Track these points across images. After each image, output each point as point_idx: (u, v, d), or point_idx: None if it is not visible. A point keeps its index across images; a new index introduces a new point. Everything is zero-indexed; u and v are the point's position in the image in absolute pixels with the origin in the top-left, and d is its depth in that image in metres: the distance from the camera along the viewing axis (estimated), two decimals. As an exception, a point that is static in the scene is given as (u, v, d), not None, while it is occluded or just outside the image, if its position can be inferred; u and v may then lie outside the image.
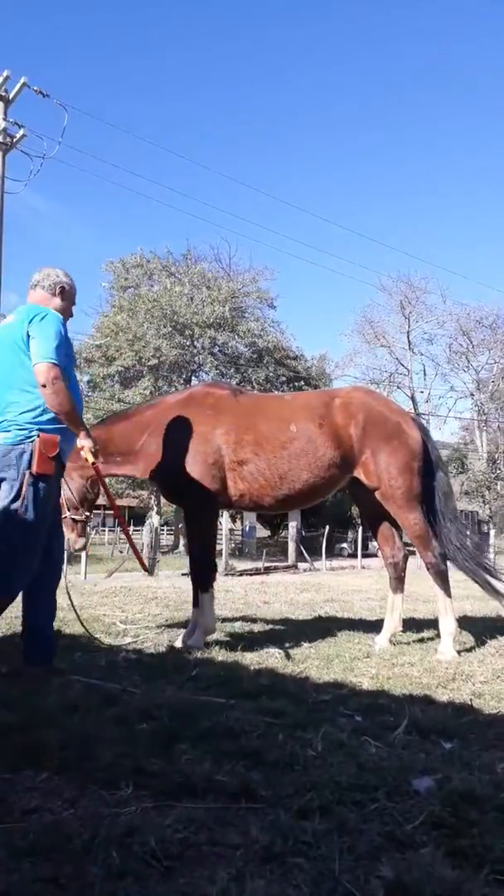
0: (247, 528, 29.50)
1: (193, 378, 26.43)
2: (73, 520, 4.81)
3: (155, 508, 24.86)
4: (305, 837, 1.65)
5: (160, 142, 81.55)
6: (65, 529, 4.74)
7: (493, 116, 76.51)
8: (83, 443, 3.73)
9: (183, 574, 13.94)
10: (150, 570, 4.74)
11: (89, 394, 25.18)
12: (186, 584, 9.58)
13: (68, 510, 4.78)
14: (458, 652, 4.28)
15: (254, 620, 5.81)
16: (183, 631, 4.69)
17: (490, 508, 39.46)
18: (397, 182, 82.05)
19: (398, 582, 4.89)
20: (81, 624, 4.47)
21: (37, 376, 3.43)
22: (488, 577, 4.73)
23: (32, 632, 3.53)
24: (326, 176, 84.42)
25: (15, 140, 16.25)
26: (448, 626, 4.38)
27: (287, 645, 4.55)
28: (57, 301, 3.78)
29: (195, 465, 4.50)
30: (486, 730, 2.63)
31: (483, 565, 4.80)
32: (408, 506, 4.53)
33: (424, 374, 42.31)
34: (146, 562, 5.47)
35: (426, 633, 5.14)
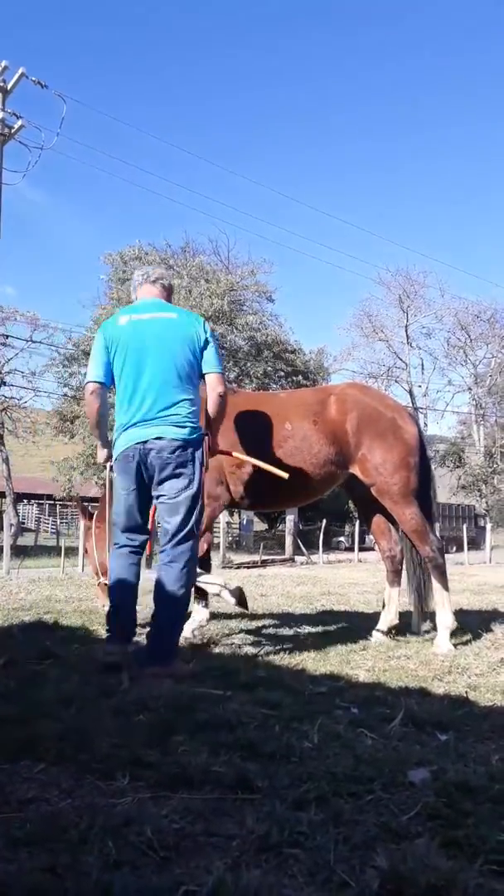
0: (244, 522, 29.54)
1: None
2: (107, 584, 4.79)
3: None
4: (301, 828, 1.66)
5: (159, 134, 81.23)
6: (100, 595, 4.95)
7: (492, 111, 76.27)
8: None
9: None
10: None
11: (87, 386, 25.16)
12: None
13: (99, 575, 4.93)
14: (454, 645, 4.30)
15: (251, 614, 5.82)
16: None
17: (487, 503, 39.52)
18: (396, 175, 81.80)
19: (395, 575, 4.90)
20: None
21: (216, 385, 3.71)
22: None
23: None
24: (325, 169, 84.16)
25: (13, 131, 16.16)
26: (445, 619, 4.39)
27: (283, 637, 4.57)
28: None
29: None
30: (482, 722, 2.64)
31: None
32: (404, 501, 4.53)
33: (422, 369, 42.31)
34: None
35: (422, 626, 5.15)
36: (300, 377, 25.86)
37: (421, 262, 68.29)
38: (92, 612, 5.60)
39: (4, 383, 25.64)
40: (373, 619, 5.18)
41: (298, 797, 1.84)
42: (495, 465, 40.26)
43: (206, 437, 3.68)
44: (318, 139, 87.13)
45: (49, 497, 37.15)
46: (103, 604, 4.86)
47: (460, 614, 5.30)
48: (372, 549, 24.91)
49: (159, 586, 3.46)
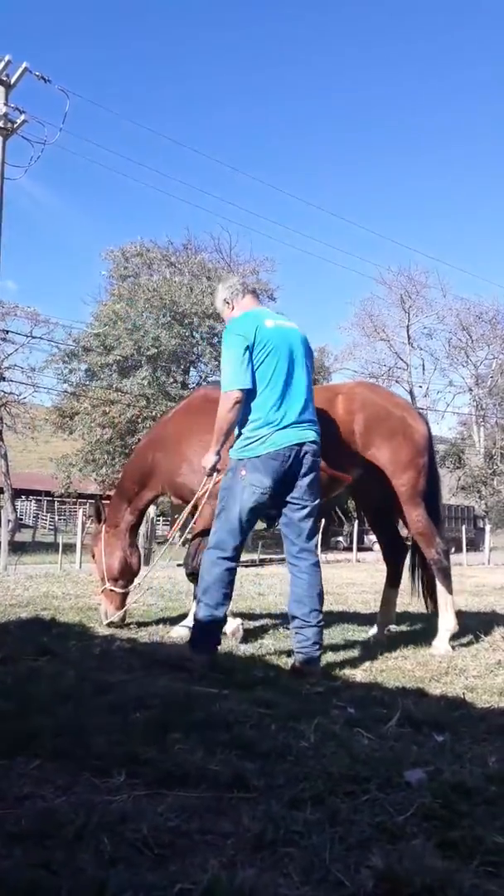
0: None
1: (192, 368, 26.37)
2: (112, 591, 4.81)
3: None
4: (297, 827, 1.66)
5: (163, 131, 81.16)
6: (103, 600, 4.84)
7: (495, 111, 76.18)
8: None
9: (178, 564, 13.98)
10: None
11: (87, 382, 25.14)
12: (181, 575, 9.61)
13: (106, 581, 4.81)
14: (452, 647, 4.30)
15: (248, 612, 5.83)
16: (178, 621, 4.70)
17: (486, 504, 39.55)
18: (399, 174, 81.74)
19: (395, 576, 4.90)
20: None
21: (315, 395, 3.82)
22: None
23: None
24: (329, 168, 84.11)
25: (16, 126, 16.12)
26: (447, 622, 4.38)
27: (281, 637, 4.56)
28: None
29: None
30: (479, 723, 2.64)
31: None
32: (411, 502, 4.50)
33: (423, 369, 42.34)
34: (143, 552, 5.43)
35: (420, 628, 5.16)
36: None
37: (423, 261, 68.27)
38: (89, 608, 5.59)
39: (4, 379, 25.65)
40: (370, 619, 5.19)
41: (294, 796, 1.84)
42: (495, 467, 40.27)
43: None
44: (322, 137, 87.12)
45: (47, 493, 37.19)
46: (110, 610, 4.76)
47: (458, 616, 5.29)
48: (370, 549, 24.93)
49: (311, 585, 3.52)
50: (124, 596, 4.84)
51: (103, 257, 27.42)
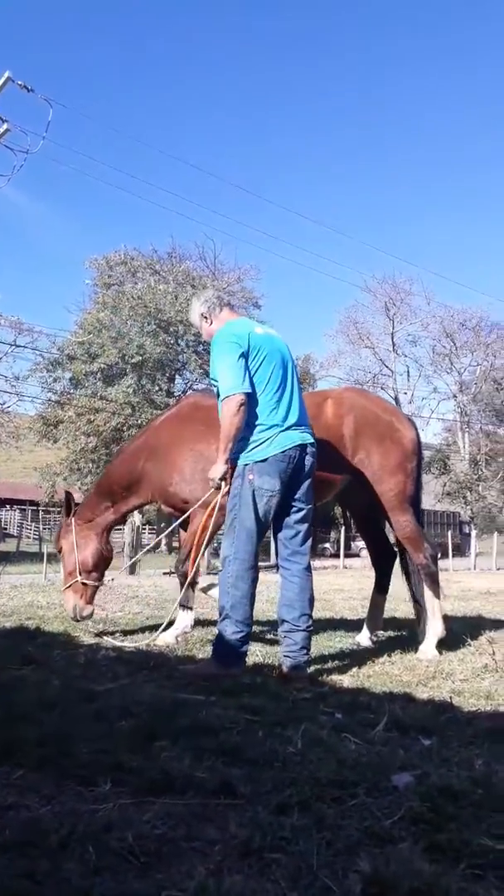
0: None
1: (177, 376, 26.33)
2: (84, 584, 4.72)
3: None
4: (284, 833, 1.64)
5: (147, 139, 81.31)
6: (72, 595, 4.72)
7: (479, 120, 77.16)
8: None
9: (164, 573, 13.92)
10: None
11: (72, 391, 25.02)
12: (167, 583, 9.56)
13: (80, 574, 4.71)
14: (439, 651, 4.30)
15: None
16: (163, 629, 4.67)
17: (472, 510, 39.74)
18: (383, 182, 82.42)
19: (383, 581, 4.92)
20: None
21: (305, 400, 3.85)
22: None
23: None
24: (312, 176, 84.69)
25: (-1, 134, 16.07)
26: (435, 627, 4.39)
27: (268, 643, 4.55)
28: None
29: (197, 484, 4.41)
30: (465, 727, 2.64)
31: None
32: (400, 507, 4.51)
33: (408, 376, 42.62)
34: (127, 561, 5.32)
35: (407, 633, 5.16)
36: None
37: (407, 269, 68.74)
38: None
39: (-12, 388, 25.46)
40: (357, 625, 5.18)
41: (281, 802, 1.82)
42: (480, 473, 40.52)
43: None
44: (306, 147, 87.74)
45: (32, 503, 36.93)
46: (80, 604, 4.67)
47: (445, 620, 5.30)
48: (357, 555, 24.93)
49: (303, 590, 3.55)
50: (95, 590, 4.81)
51: (87, 266, 27.38)
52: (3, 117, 16.07)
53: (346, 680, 3.49)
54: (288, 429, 3.55)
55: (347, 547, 21.53)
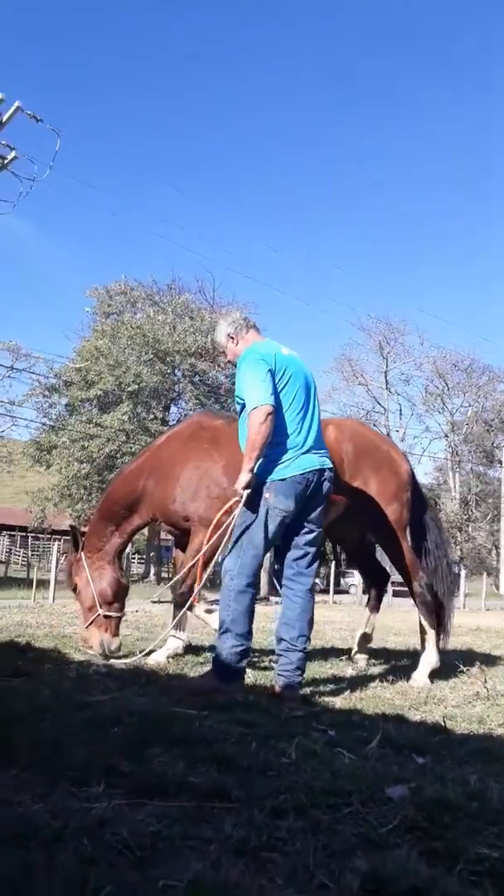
0: (220, 560, 29.27)
1: (172, 406, 26.40)
2: (108, 616, 4.56)
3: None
4: (280, 834, 1.63)
5: (154, 174, 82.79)
6: (96, 630, 4.53)
7: (470, 152, 78.97)
8: None
9: (153, 602, 13.78)
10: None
11: (67, 417, 25.04)
12: (156, 610, 9.49)
13: (101, 607, 4.55)
14: (431, 680, 4.28)
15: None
16: (154, 649, 4.63)
17: (461, 550, 39.68)
18: (377, 219, 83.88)
19: (377, 601, 4.97)
20: None
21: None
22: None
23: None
24: (310, 213, 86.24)
25: (6, 162, 16.38)
26: (430, 657, 4.41)
27: (260, 668, 4.52)
28: None
29: (201, 503, 4.43)
30: (459, 748, 2.63)
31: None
32: (394, 535, 4.57)
33: (400, 414, 42.89)
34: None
35: (398, 663, 5.14)
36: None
37: (401, 310, 69.72)
38: (64, 636, 5.49)
39: (-17, 412, 25.47)
40: (348, 653, 5.16)
41: (276, 806, 1.81)
42: (470, 513, 40.59)
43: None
44: (300, 182, 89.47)
45: (22, 528, 36.62)
46: (107, 638, 4.47)
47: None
48: (347, 591, 24.74)
49: (304, 611, 3.59)
50: (119, 621, 4.63)
51: (88, 295, 27.62)
52: (10, 145, 16.42)
53: (339, 702, 3.47)
54: (308, 451, 3.59)
55: (337, 583, 21.40)
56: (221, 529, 3.86)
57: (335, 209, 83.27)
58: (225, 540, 3.83)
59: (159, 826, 1.65)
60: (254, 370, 3.57)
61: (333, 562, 21.90)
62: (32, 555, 33.87)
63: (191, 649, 5.01)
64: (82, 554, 4.71)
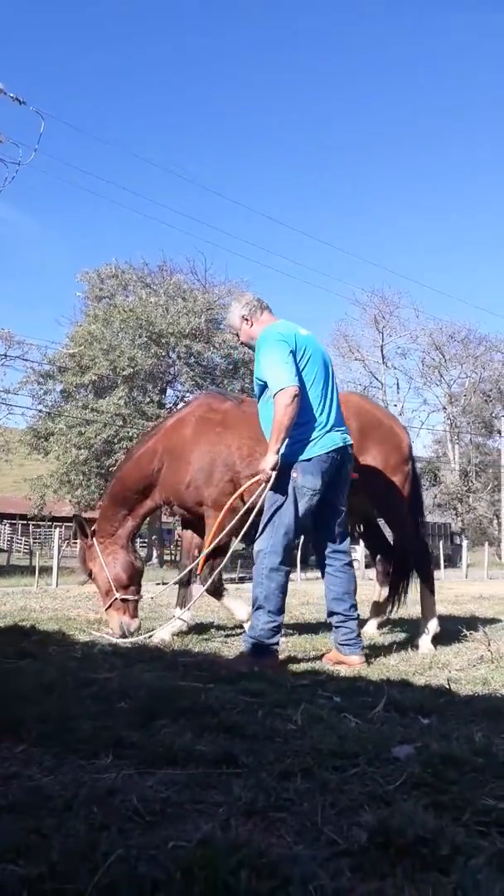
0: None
1: (168, 388, 26.32)
2: (124, 600, 4.60)
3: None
4: (288, 795, 1.65)
5: (138, 152, 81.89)
6: (115, 613, 4.59)
7: (464, 132, 78.24)
8: None
9: (157, 584, 13.84)
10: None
11: (62, 403, 24.99)
12: (159, 590, 9.55)
13: (116, 590, 4.59)
14: (435, 646, 4.33)
15: (230, 622, 5.79)
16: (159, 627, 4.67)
17: (462, 521, 39.88)
18: (371, 194, 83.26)
19: (385, 576, 5.03)
20: None
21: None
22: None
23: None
24: (302, 188, 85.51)
25: (-10, 147, 16.16)
26: (431, 624, 4.47)
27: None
28: None
29: (212, 486, 4.45)
30: (464, 708, 2.65)
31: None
32: (398, 509, 4.65)
33: (398, 388, 42.88)
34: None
35: (401, 631, 5.19)
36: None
37: (396, 281, 69.41)
38: (69, 619, 5.52)
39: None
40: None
41: (284, 770, 1.83)
42: (470, 484, 40.71)
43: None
44: (294, 158, 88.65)
45: (22, 517, 36.72)
46: (126, 620, 4.53)
47: (440, 619, 5.34)
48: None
49: (349, 583, 3.73)
50: (136, 603, 4.67)
51: (79, 279, 27.41)
52: (-7, 129, 16.20)
53: (343, 669, 3.50)
54: (331, 430, 3.65)
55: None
56: (238, 513, 3.95)
57: (326, 183, 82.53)
58: (237, 525, 3.95)
59: (168, 792, 1.66)
60: (276, 351, 3.58)
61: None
62: (34, 542, 34.02)
63: (195, 627, 5.04)
64: (94, 540, 4.72)
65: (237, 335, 4.07)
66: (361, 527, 5.39)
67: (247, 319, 3.91)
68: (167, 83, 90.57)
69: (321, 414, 3.64)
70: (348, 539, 3.84)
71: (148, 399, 24.75)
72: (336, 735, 2.15)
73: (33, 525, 35.08)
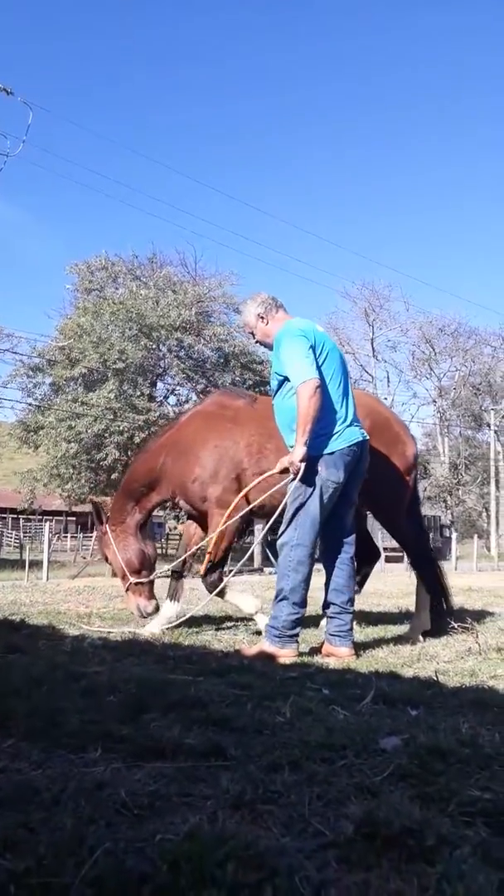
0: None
1: (159, 382, 26.24)
2: (139, 584, 4.73)
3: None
4: (276, 787, 1.66)
5: (127, 144, 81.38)
6: (132, 596, 4.76)
7: (454, 123, 78.19)
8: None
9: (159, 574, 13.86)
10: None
11: (52, 396, 24.86)
12: (160, 583, 9.55)
13: (130, 575, 4.72)
14: (423, 638, 4.36)
15: (220, 613, 5.81)
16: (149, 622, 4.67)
17: (452, 514, 40.08)
18: (361, 187, 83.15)
19: (363, 580, 5.25)
20: None
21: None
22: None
23: None
24: (290, 180, 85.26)
25: (-23, 138, 16.03)
26: (422, 618, 4.54)
27: (253, 632, 4.57)
28: None
29: (219, 483, 4.45)
30: (451, 699, 2.67)
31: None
32: (397, 516, 4.72)
33: (388, 381, 42.99)
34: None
35: (391, 624, 5.21)
36: (267, 387, 25.95)
37: (386, 274, 69.41)
38: (59, 613, 5.52)
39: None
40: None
41: (272, 762, 1.84)
42: (460, 477, 40.90)
43: None
44: (285, 151, 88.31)
45: (12, 510, 36.62)
46: (142, 602, 4.68)
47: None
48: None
49: (350, 577, 3.82)
50: (151, 585, 4.81)
51: (68, 271, 27.19)
52: (-19, 121, 16.06)
53: (332, 662, 3.52)
54: (350, 424, 3.73)
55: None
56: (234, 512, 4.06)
57: (316, 176, 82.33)
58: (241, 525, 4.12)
59: (157, 785, 1.67)
60: (295, 346, 3.64)
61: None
62: (24, 536, 33.95)
63: (187, 621, 5.04)
64: (107, 527, 4.86)
65: (252, 334, 4.09)
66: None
67: (262, 317, 3.94)
68: (154, 73, 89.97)
69: (341, 408, 3.72)
70: (354, 533, 3.88)
71: (139, 392, 24.64)
72: (324, 727, 2.17)
73: (23, 519, 34.97)
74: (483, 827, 1.50)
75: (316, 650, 3.85)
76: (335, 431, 3.66)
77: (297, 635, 3.64)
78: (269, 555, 21.93)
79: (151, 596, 4.77)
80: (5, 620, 4.82)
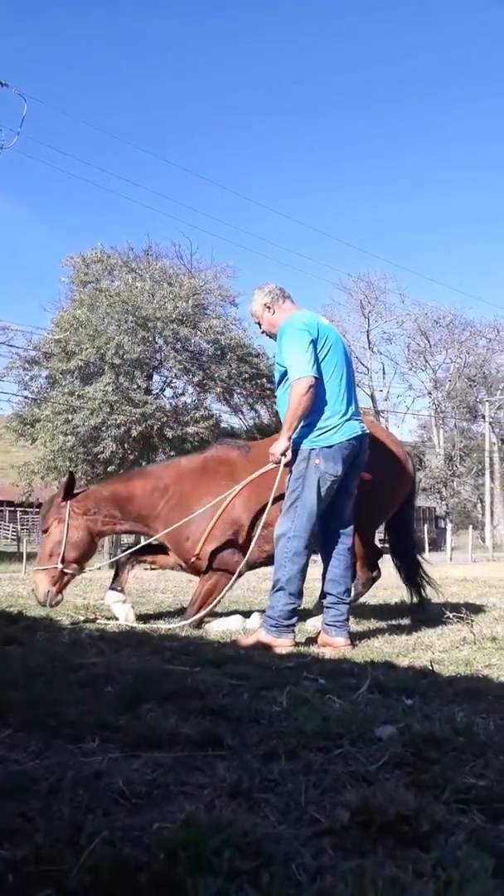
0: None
1: (155, 374, 26.17)
2: (64, 573, 4.63)
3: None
4: (272, 776, 1.68)
5: (121, 135, 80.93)
6: (46, 579, 4.59)
7: (451, 116, 77.96)
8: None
9: (146, 568, 13.88)
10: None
11: (48, 389, 24.81)
12: (148, 576, 9.57)
13: (61, 560, 4.56)
14: (418, 627, 4.39)
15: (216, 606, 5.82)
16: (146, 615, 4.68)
17: (447, 505, 40.19)
18: (357, 179, 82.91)
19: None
20: None
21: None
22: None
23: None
24: (288, 172, 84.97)
25: (-29, 129, 15.92)
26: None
27: (249, 622, 4.58)
28: None
29: (217, 539, 4.40)
30: (447, 688, 2.69)
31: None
32: (371, 529, 5.01)
33: (384, 373, 43.03)
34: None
35: (386, 614, 5.24)
36: (263, 380, 25.92)
37: (382, 266, 69.26)
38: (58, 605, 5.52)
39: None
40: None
41: (268, 751, 1.85)
42: (454, 468, 40.99)
43: None
44: (281, 143, 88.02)
45: (9, 503, 36.63)
46: (53, 590, 4.60)
47: (424, 603, 5.41)
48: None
49: (347, 568, 3.85)
50: (71, 579, 4.76)
51: (64, 264, 27.09)
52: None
53: (328, 652, 3.53)
54: (350, 418, 3.73)
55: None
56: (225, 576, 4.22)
57: (312, 168, 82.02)
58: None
59: (154, 775, 1.68)
60: (297, 340, 3.66)
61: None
62: (22, 529, 33.95)
63: (179, 611, 5.06)
64: (69, 504, 4.67)
65: (259, 323, 4.09)
66: None
67: (269, 307, 3.96)
68: (149, 64, 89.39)
69: (341, 402, 3.73)
70: (353, 525, 3.89)
71: (135, 385, 24.60)
72: (320, 716, 2.18)
73: (21, 511, 34.97)
74: (477, 814, 1.52)
75: (312, 640, 3.87)
76: (335, 425, 3.68)
77: (293, 625, 3.68)
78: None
79: (63, 588, 4.69)
80: (3, 612, 4.82)
